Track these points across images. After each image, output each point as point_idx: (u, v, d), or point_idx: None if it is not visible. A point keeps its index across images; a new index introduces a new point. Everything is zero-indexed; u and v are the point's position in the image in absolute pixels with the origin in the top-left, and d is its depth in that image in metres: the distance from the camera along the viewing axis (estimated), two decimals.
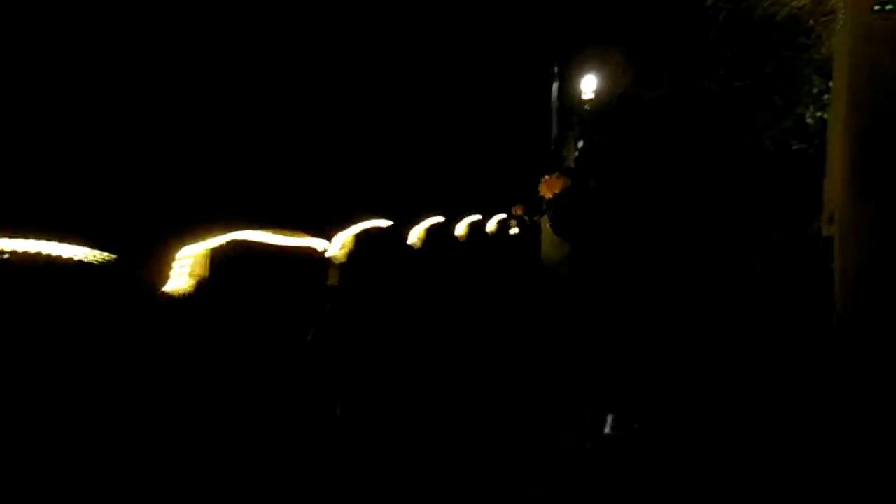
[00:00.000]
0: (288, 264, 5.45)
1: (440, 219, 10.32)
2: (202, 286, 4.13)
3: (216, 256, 4.28)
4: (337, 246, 6.02)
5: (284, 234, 5.41)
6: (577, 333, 4.50)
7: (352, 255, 6.07)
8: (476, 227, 12.01)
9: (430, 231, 9.40)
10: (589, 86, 18.65)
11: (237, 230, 4.70)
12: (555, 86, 19.34)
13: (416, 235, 8.94)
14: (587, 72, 18.52)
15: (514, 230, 11.18)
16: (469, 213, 12.18)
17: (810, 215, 6.08)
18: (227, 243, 4.45)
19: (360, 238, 6.67)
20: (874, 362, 4.00)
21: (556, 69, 19.28)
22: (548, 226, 4.96)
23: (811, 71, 7.01)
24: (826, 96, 6.43)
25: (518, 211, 8.43)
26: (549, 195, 4.94)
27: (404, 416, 3.83)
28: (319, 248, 5.85)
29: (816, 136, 6.72)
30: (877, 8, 4.31)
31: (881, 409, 3.62)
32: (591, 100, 18.69)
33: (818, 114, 6.82)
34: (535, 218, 6.43)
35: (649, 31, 10.08)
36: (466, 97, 17.95)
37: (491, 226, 12.37)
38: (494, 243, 11.68)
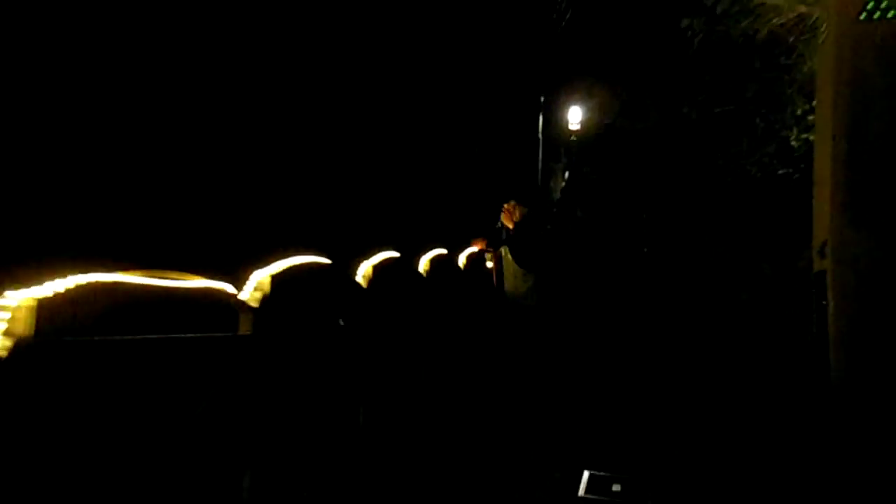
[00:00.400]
0: (180, 313, 4.47)
1: (393, 254, 9.33)
2: (22, 350, 3.14)
3: (49, 307, 3.31)
4: (250, 288, 5.06)
5: (172, 277, 4.48)
6: (549, 375, 4.23)
7: (267, 299, 5.11)
8: (443, 262, 11.17)
9: (379, 267, 8.37)
10: (575, 117, 18.44)
11: (97, 271, 3.74)
12: (541, 117, 19.25)
13: (362, 273, 7.94)
14: (573, 103, 18.33)
15: (489, 263, 10.15)
16: (435, 247, 11.35)
17: (800, 245, 5.65)
18: (74, 289, 3.51)
19: (280, 278, 5.59)
20: (874, 414, 3.48)
21: (542, 100, 19.24)
22: (510, 257, 4.76)
23: (794, 91, 6.57)
24: (810, 117, 5.99)
25: (479, 245, 6.25)
26: (510, 225, 4.71)
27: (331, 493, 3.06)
28: (230, 292, 4.92)
29: (802, 160, 6.34)
30: (863, 17, 3.90)
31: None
32: (577, 130, 18.46)
33: (803, 136, 6.36)
34: (499, 250, 5.78)
35: (632, 59, 9.90)
36: (449, 127, 17.57)
37: (462, 259, 11.59)
38: (465, 279, 10.83)
